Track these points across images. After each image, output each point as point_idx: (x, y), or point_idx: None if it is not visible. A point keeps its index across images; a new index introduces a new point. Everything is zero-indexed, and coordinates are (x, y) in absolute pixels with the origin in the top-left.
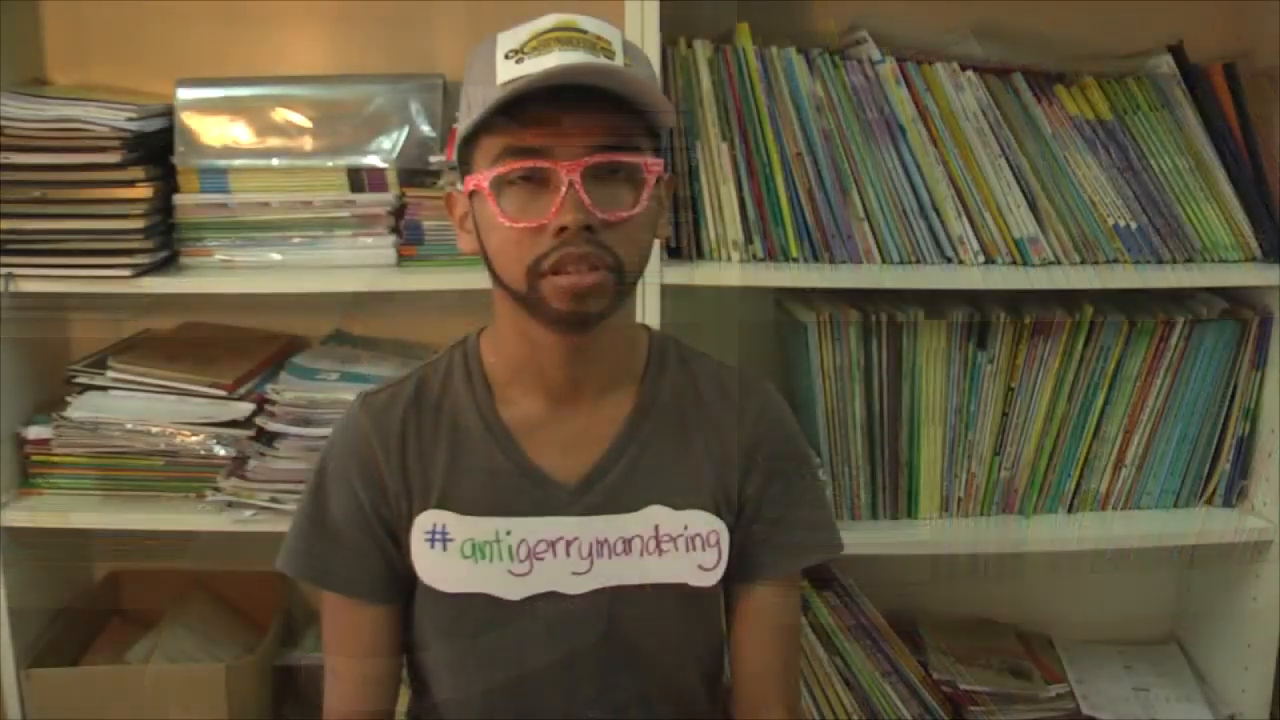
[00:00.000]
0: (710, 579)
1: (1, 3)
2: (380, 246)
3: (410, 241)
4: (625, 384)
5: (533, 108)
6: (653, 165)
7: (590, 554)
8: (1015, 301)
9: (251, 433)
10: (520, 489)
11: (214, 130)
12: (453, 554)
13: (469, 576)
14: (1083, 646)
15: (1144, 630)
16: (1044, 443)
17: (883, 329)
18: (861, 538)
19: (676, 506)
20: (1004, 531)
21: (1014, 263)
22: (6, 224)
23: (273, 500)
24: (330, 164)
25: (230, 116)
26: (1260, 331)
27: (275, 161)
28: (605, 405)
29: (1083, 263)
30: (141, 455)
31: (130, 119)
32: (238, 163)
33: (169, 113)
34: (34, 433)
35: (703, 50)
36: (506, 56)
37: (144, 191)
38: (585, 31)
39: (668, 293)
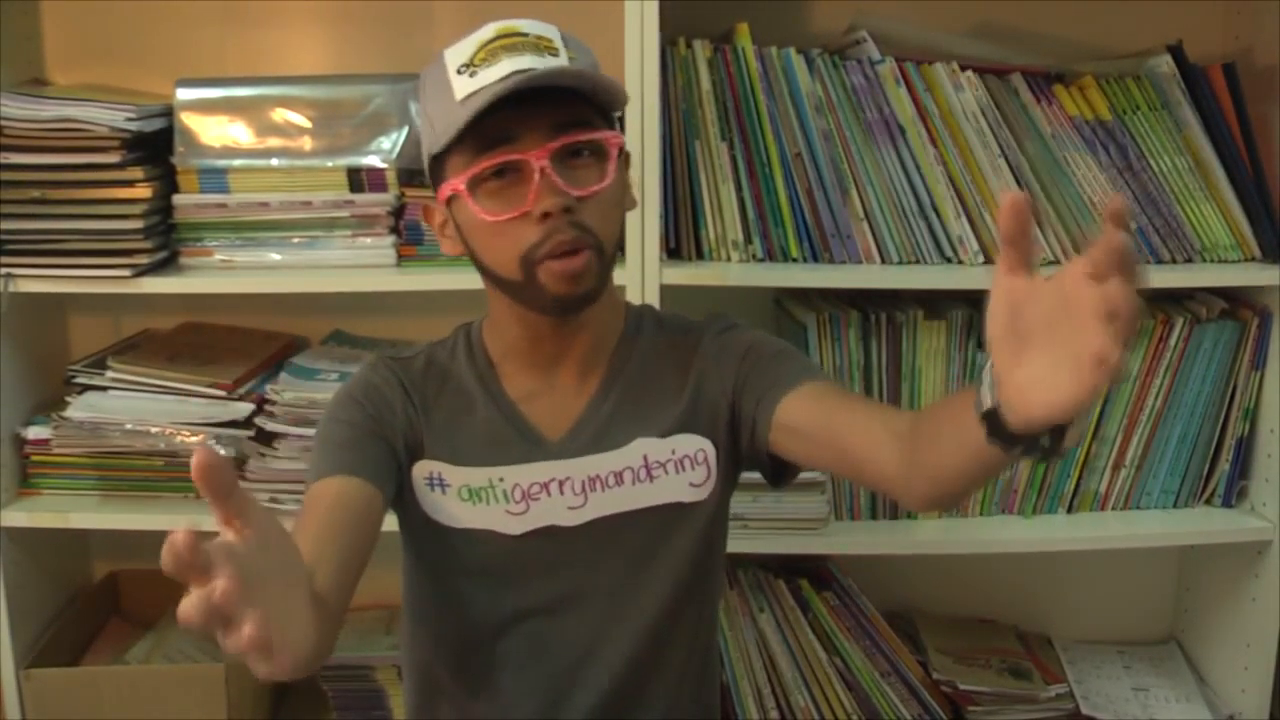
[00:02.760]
0: (702, 494)
1: (2, 3)
2: (380, 246)
3: (410, 241)
4: (607, 349)
5: (495, 110)
6: (613, 139)
7: (584, 490)
8: None
9: (251, 433)
10: (514, 443)
11: (213, 130)
12: (451, 497)
13: (470, 515)
14: (1082, 647)
15: (1143, 630)
16: None
17: (882, 329)
18: (861, 538)
19: (661, 435)
20: (1004, 531)
21: None
22: (6, 224)
23: (272, 500)
24: (330, 164)
25: (230, 116)
26: (1260, 332)
27: (274, 162)
28: (590, 370)
29: None
30: (141, 455)
31: (129, 119)
32: (237, 163)
33: (168, 113)
34: (34, 433)
35: (702, 50)
36: (459, 72)
37: (143, 191)
38: (526, 34)
39: (667, 293)
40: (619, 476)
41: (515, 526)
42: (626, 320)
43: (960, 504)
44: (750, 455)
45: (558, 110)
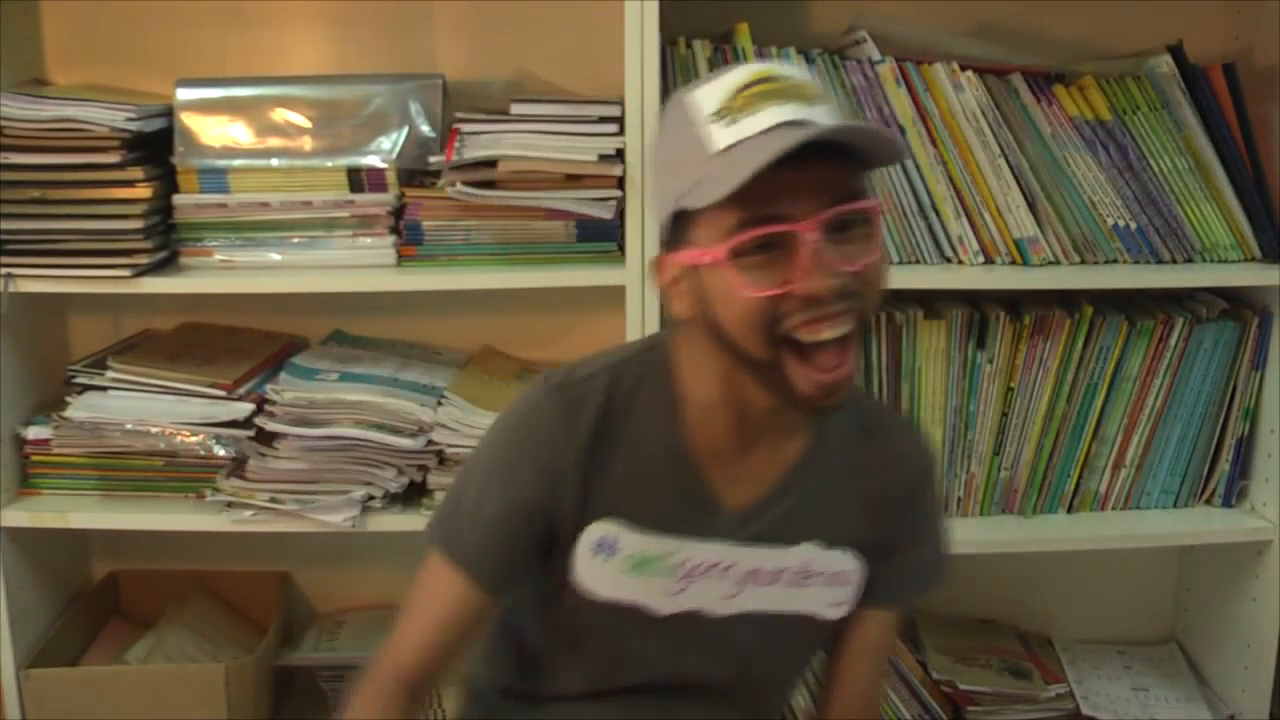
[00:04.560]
0: (838, 613)
1: (2, 3)
2: (380, 246)
3: (410, 241)
4: (805, 428)
5: (762, 172)
6: (878, 207)
7: (742, 581)
8: (1015, 301)
9: (251, 433)
10: (690, 509)
11: (214, 130)
12: (616, 564)
13: (626, 587)
14: (1082, 646)
15: (1143, 630)
16: (1044, 443)
17: (882, 329)
18: None
19: (828, 545)
20: (1004, 531)
21: (1013, 263)
22: (6, 224)
23: (272, 500)
24: (330, 164)
25: (230, 116)
26: (1260, 332)
27: (275, 162)
28: (783, 443)
29: (1082, 263)
30: (141, 455)
31: (130, 119)
32: (237, 163)
33: (169, 113)
34: (34, 433)
35: (702, 50)
36: (713, 119)
37: (143, 191)
38: (784, 79)
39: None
40: (776, 575)
41: (666, 606)
42: None
43: None
44: None
45: (826, 170)
